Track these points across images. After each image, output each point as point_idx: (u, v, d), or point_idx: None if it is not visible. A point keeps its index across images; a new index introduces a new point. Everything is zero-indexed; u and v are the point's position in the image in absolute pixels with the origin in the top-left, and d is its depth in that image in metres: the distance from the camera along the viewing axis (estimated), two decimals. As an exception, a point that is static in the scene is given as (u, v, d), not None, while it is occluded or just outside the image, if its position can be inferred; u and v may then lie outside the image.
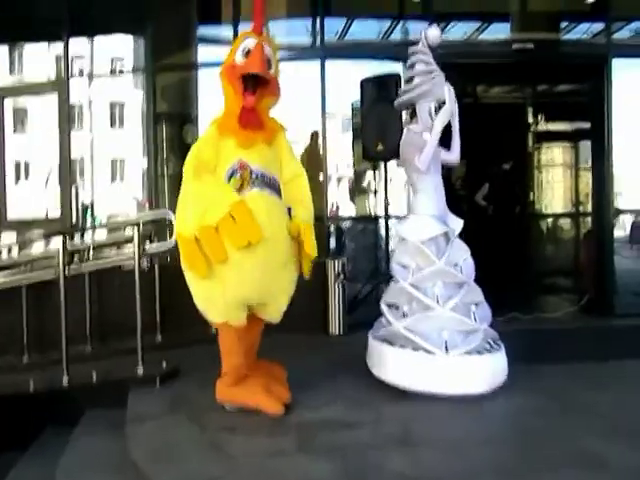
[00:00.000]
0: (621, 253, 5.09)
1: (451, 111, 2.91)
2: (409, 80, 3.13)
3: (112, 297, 4.57)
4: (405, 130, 3.14)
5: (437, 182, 3.07)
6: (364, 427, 2.39)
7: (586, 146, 6.06)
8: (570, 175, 6.81)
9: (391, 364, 2.85)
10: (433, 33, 3.04)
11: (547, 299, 5.58)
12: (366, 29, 6.41)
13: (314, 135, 5.81)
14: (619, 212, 5.26)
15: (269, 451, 2.17)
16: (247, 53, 2.52)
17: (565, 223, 6.82)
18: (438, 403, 2.60)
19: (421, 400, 2.64)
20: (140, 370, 3.17)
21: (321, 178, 5.27)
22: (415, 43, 3.10)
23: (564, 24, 5.74)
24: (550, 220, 6.95)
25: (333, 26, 5.65)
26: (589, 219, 5.65)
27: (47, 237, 4.53)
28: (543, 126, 6.93)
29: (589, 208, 5.68)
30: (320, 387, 2.88)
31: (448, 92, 2.91)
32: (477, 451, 2.13)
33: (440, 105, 2.96)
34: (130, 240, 4.25)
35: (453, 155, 3.07)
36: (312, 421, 2.47)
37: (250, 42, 2.54)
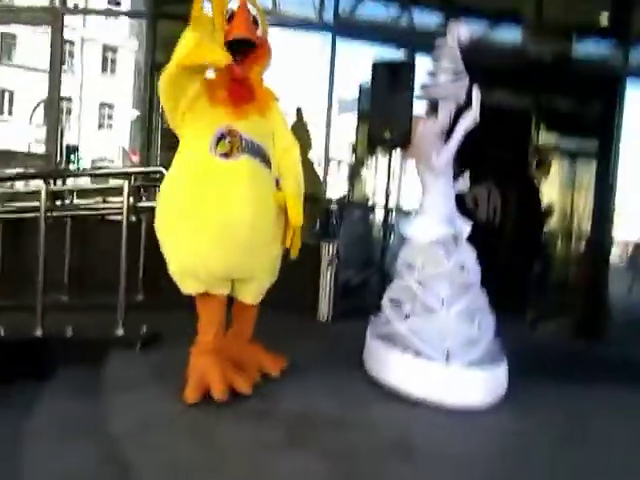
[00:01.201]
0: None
1: (475, 118, 2.80)
2: (432, 73, 3.00)
3: (94, 247, 4.38)
4: (422, 123, 3.01)
5: (447, 182, 2.98)
6: (359, 429, 2.27)
7: (589, 164, 6.01)
8: (569, 193, 6.76)
9: (392, 367, 2.73)
10: (465, 31, 2.92)
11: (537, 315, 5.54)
12: (373, 11, 6.21)
13: (299, 112, 5.63)
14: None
15: (259, 443, 2.03)
16: (231, 17, 2.32)
17: (559, 243, 6.78)
18: (434, 410, 2.50)
19: (418, 404, 2.54)
20: (120, 332, 2.99)
21: (310, 157, 5.13)
22: (435, 34, 2.98)
23: (579, 37, 5.67)
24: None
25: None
26: (583, 242, 5.62)
27: (33, 177, 4.27)
28: (546, 138, 6.84)
29: (585, 228, 5.66)
30: (312, 378, 2.75)
31: (476, 99, 2.78)
32: (473, 466, 2.04)
33: (460, 108, 2.86)
34: (117, 190, 4.07)
35: (439, 158, 2.92)
36: (304, 415, 2.34)
37: (233, 3, 2.34)
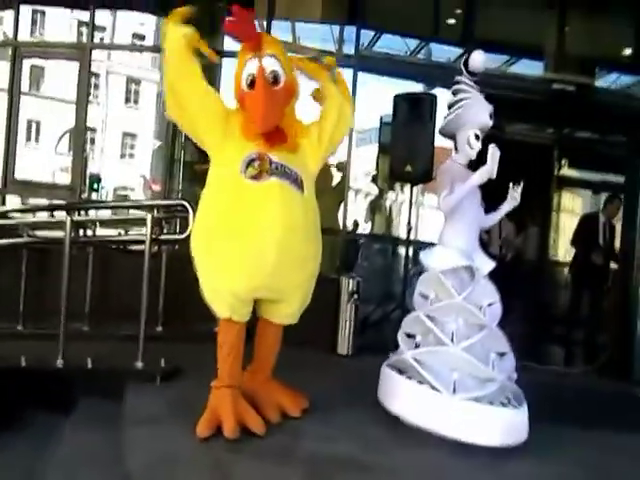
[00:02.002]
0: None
1: (490, 172, 2.71)
2: (449, 107, 3.02)
3: (114, 277, 4.41)
4: (449, 160, 3.01)
5: (472, 217, 2.94)
6: (380, 473, 2.21)
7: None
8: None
9: (397, 394, 2.73)
10: (476, 58, 2.93)
11: (562, 351, 5.42)
12: (393, 44, 6.31)
13: None
14: None
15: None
16: (251, 84, 2.37)
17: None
18: (457, 453, 2.42)
19: (438, 447, 2.46)
20: (140, 364, 2.98)
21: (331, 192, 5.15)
22: (456, 69, 3.01)
23: (603, 70, 5.69)
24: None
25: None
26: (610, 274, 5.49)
27: (59, 209, 4.36)
28: (568, 172, 6.79)
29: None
30: (331, 416, 2.69)
31: (492, 155, 2.70)
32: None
33: (482, 133, 2.87)
34: (139, 221, 4.12)
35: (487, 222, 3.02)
36: (323, 456, 2.28)
37: (252, 66, 2.38)
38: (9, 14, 6.07)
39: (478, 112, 2.88)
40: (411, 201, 4.51)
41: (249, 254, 2.30)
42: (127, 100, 25.13)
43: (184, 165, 5.92)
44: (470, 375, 2.63)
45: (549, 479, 2.35)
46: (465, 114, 2.89)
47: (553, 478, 2.36)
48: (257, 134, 2.37)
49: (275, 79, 2.38)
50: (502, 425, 2.55)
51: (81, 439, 2.30)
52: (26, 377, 2.83)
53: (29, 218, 4.35)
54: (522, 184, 2.96)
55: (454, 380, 2.57)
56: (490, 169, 2.68)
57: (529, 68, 5.90)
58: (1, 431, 2.52)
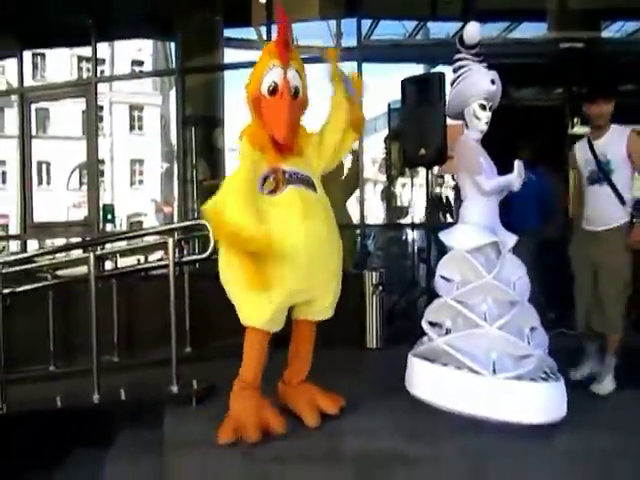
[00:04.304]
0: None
1: (512, 183, 2.76)
2: (452, 84, 2.97)
3: (138, 304, 4.44)
4: (463, 136, 2.94)
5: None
6: (427, 463, 2.17)
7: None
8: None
9: (430, 382, 2.68)
10: (470, 29, 2.89)
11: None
12: (390, 30, 6.24)
13: None
14: None
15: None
16: (273, 90, 2.42)
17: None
18: (504, 435, 2.35)
19: (482, 431, 2.40)
20: (174, 389, 2.97)
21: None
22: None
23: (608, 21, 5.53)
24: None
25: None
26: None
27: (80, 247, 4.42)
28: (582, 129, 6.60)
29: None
30: (369, 412, 2.66)
31: (518, 167, 2.74)
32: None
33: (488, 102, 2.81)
34: (158, 247, 4.14)
35: (487, 182, 2.81)
36: (369, 452, 2.26)
37: (276, 75, 2.42)
38: (10, 62, 6.19)
39: (478, 81, 2.83)
40: (427, 184, 4.44)
41: (283, 263, 2.32)
42: (132, 128, 25.43)
43: (197, 184, 5.94)
44: (507, 354, 2.57)
45: (611, 451, 2.25)
46: (466, 87, 2.84)
47: (615, 449, 2.26)
48: (268, 144, 2.45)
49: (296, 93, 2.47)
50: (547, 401, 2.47)
51: (126, 470, 2.30)
52: (65, 416, 2.85)
53: (50, 259, 4.43)
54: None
55: (493, 360, 2.51)
56: (513, 181, 2.73)
57: (534, 31, 5.77)
58: (47, 471, 2.54)
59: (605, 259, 2.94)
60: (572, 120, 6.15)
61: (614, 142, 2.92)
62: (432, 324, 2.85)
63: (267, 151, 2.47)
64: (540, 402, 2.45)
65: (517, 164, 2.75)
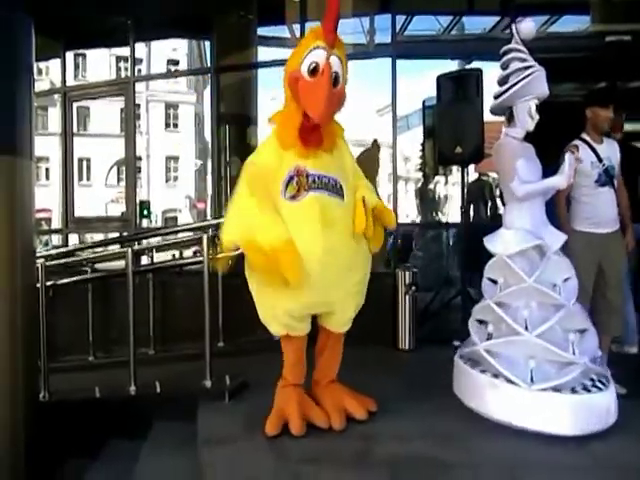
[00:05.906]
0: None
1: (556, 185, 2.71)
2: (503, 81, 2.87)
3: (173, 299, 4.52)
4: (503, 135, 2.88)
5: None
6: (462, 469, 2.12)
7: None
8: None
9: (471, 388, 2.65)
10: (526, 26, 2.79)
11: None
12: (424, 25, 6.13)
13: (374, 144, 5.59)
14: None
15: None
16: (314, 70, 2.27)
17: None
18: (540, 444, 2.28)
19: (518, 439, 2.34)
20: (208, 383, 3.02)
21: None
22: (497, 38, 2.86)
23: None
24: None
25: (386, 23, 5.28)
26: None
27: (120, 242, 4.54)
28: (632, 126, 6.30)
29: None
30: (401, 414, 2.63)
31: (568, 163, 2.66)
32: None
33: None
34: (192, 242, 4.21)
35: (520, 188, 2.73)
36: (402, 456, 2.23)
37: (319, 55, 2.28)
38: (53, 63, 6.40)
39: (543, 82, 2.75)
40: (463, 183, 4.36)
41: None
42: (167, 125, 25.95)
43: (231, 181, 6.00)
44: (549, 361, 2.49)
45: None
46: (530, 85, 2.73)
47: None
48: (295, 138, 2.34)
49: (336, 80, 2.33)
50: (585, 412, 2.38)
51: (160, 463, 2.35)
52: (103, 406, 2.93)
53: (90, 253, 4.57)
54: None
55: (531, 369, 2.45)
56: (568, 177, 2.67)
57: (576, 24, 5.57)
58: (84, 460, 2.62)
59: (614, 260, 3.04)
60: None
61: (612, 148, 3.10)
62: (480, 322, 2.81)
63: (294, 145, 2.35)
64: (578, 414, 2.37)
65: (567, 160, 2.65)
